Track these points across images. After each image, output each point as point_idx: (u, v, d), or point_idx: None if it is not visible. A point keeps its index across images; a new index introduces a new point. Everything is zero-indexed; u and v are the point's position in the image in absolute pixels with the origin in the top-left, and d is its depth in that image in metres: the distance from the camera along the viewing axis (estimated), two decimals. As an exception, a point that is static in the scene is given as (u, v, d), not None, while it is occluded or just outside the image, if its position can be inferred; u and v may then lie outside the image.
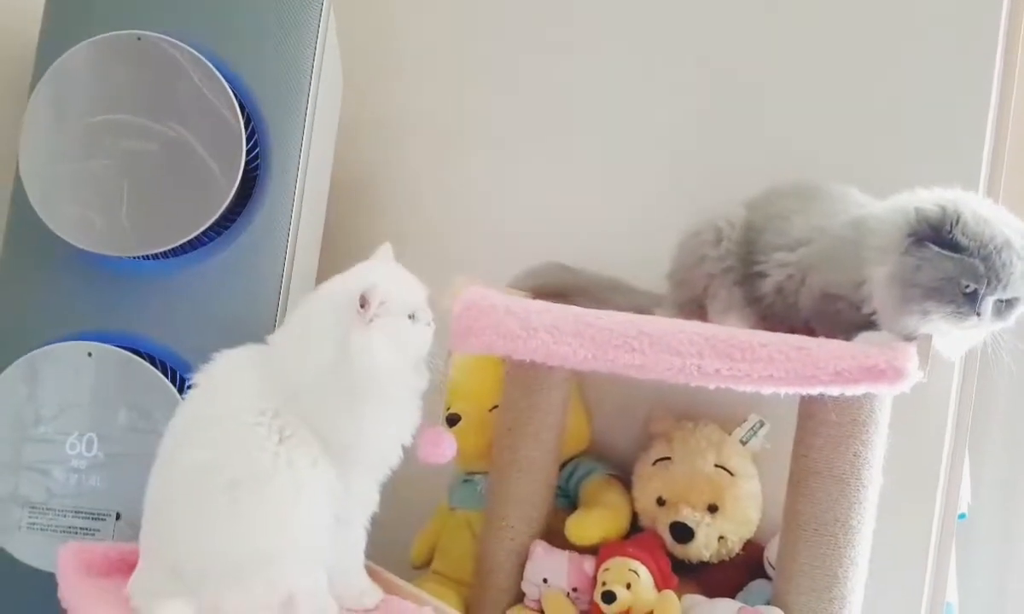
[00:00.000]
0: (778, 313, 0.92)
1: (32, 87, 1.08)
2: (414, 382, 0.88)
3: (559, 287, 1.14)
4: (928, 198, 0.83)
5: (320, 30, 1.12)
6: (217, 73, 1.05)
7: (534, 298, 1.06)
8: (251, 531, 0.81)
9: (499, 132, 1.36)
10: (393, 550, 1.02)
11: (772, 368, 0.80)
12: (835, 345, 0.80)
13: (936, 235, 0.79)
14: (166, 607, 0.80)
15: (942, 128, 1.08)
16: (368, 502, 0.90)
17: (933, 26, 1.10)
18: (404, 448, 0.90)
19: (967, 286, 0.78)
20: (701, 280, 0.97)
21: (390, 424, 0.88)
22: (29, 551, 1.03)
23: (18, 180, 1.07)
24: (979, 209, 0.80)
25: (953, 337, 0.85)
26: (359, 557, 0.92)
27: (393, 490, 0.92)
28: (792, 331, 0.88)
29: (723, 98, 1.20)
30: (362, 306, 0.83)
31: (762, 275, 0.93)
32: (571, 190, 1.29)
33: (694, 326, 0.85)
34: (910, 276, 0.79)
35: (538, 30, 1.34)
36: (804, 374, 0.79)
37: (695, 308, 0.99)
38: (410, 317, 0.87)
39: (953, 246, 0.78)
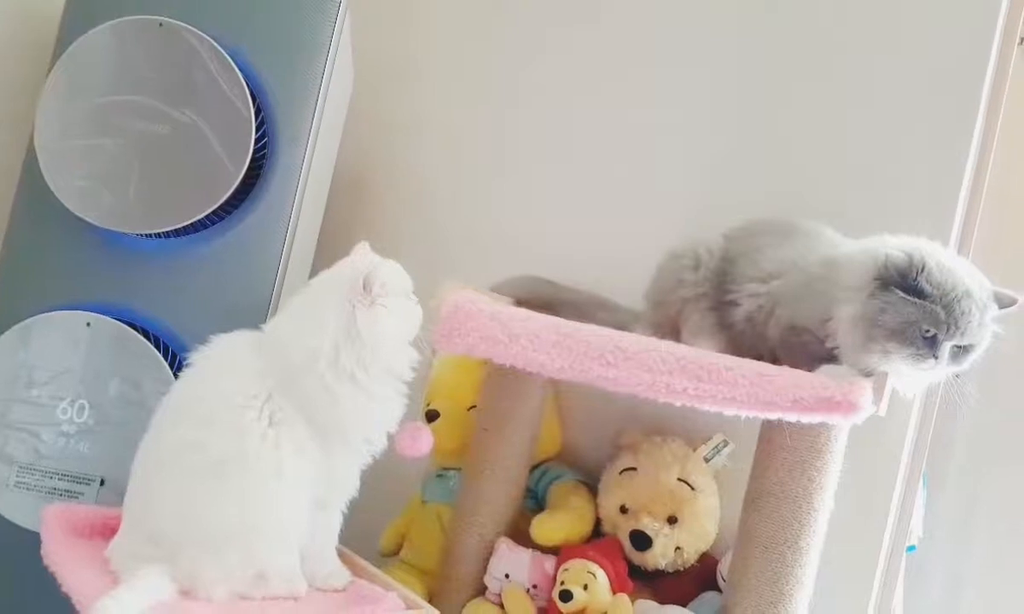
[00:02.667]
0: (747, 340, 0.96)
1: (53, 62, 1.12)
2: (414, 355, 0.94)
3: (542, 299, 1.17)
4: (896, 244, 0.87)
5: (335, 29, 1.17)
6: (233, 64, 1.09)
7: (516, 306, 1.10)
8: (231, 507, 0.85)
9: (500, 141, 1.40)
10: (364, 537, 1.06)
11: (735, 391, 0.84)
12: (795, 374, 0.85)
13: (902, 281, 0.83)
14: (143, 572, 0.83)
15: (922, 180, 1.13)
16: (349, 487, 0.94)
17: (918, 84, 1.14)
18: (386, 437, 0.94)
19: (927, 331, 0.82)
20: (676, 303, 1.02)
21: (385, 401, 0.92)
22: (15, 509, 1.06)
23: (31, 151, 1.11)
24: (943, 259, 0.85)
25: (910, 377, 0.90)
26: (333, 540, 0.96)
27: (368, 480, 0.96)
28: (759, 358, 0.92)
29: (719, 136, 1.25)
30: (365, 288, 0.89)
31: (734, 304, 0.97)
32: (568, 203, 1.33)
33: (667, 345, 0.90)
34: (874, 317, 0.83)
35: (547, 43, 1.38)
36: (764, 399, 0.83)
37: (670, 328, 1.03)
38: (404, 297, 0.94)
39: (917, 292, 0.83)
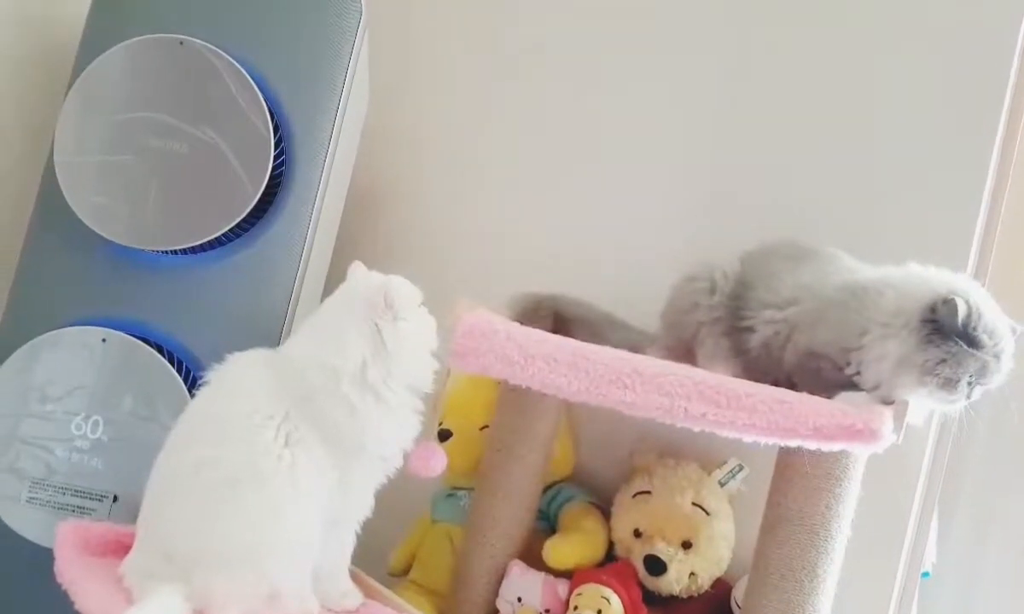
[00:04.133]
0: (762, 366, 0.96)
1: (73, 79, 1.12)
2: (435, 365, 0.95)
3: (557, 315, 1.17)
4: (930, 278, 0.86)
5: (354, 49, 1.17)
6: (252, 82, 1.10)
7: (529, 323, 1.09)
8: (246, 526, 0.85)
9: (514, 156, 1.40)
10: (372, 556, 1.05)
11: (755, 418, 0.83)
12: (815, 402, 0.84)
13: (960, 330, 0.82)
14: (157, 589, 0.83)
15: (939, 201, 1.12)
16: (363, 507, 0.94)
17: (936, 103, 1.14)
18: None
19: (972, 379, 0.83)
20: (691, 326, 1.01)
21: (403, 417, 0.92)
22: (27, 524, 1.06)
23: (50, 167, 1.11)
24: (986, 303, 0.84)
25: (928, 406, 0.90)
26: (346, 560, 0.96)
27: (377, 498, 0.95)
28: (775, 383, 0.91)
29: (726, 150, 1.25)
30: (387, 305, 0.89)
31: (750, 329, 0.97)
32: (579, 219, 1.33)
33: (684, 370, 0.89)
34: (932, 367, 0.82)
35: (558, 61, 1.38)
36: (784, 426, 0.83)
37: (684, 351, 1.02)
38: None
39: (973, 341, 0.82)
